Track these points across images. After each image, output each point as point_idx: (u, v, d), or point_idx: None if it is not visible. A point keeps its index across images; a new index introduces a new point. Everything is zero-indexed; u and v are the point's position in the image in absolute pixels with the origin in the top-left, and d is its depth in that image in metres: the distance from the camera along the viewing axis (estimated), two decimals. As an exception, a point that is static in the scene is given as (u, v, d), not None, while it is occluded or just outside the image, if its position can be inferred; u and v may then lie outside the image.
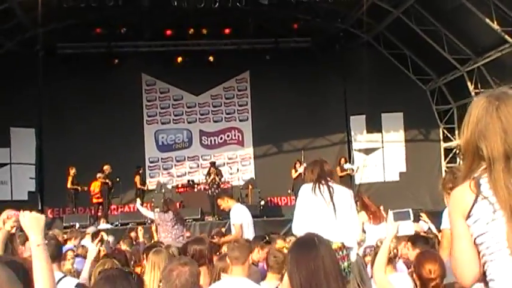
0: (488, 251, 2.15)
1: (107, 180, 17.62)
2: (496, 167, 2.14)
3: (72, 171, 17.45)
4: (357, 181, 19.87)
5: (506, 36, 15.33)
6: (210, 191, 17.65)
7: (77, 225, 15.38)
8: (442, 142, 20.82)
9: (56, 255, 4.82)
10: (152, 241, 11.05)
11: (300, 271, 2.59)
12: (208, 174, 17.96)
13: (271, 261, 5.26)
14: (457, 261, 2.23)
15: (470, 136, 2.22)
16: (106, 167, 17.42)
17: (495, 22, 15.07)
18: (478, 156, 2.21)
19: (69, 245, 10.05)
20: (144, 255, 7.14)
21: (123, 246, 9.73)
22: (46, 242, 4.33)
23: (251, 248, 5.13)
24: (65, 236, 11.06)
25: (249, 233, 8.43)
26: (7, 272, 1.24)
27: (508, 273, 2.13)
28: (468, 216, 2.17)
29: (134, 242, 11.12)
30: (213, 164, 18.52)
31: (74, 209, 17.73)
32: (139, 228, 12.11)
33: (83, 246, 8.78)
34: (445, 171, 19.77)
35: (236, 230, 8.77)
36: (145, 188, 18.63)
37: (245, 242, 5.34)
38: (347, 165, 18.47)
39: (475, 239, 2.17)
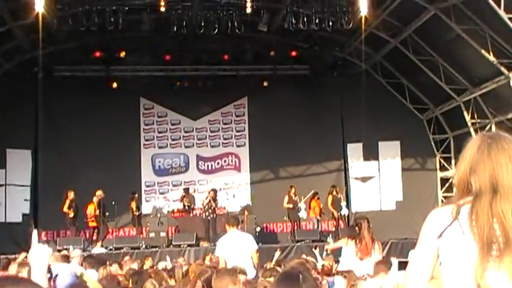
0: (451, 275, 2.27)
1: (98, 205, 17.40)
2: (482, 200, 2.26)
3: (71, 195, 17.27)
4: (353, 209, 19.78)
5: (502, 68, 15.44)
6: (204, 215, 17.56)
7: (71, 248, 15.21)
8: (438, 171, 20.83)
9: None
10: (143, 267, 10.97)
11: None
12: (206, 198, 17.89)
13: None
14: (410, 269, 2.40)
15: (463, 172, 2.36)
16: (98, 192, 17.25)
17: (491, 54, 15.19)
18: (468, 191, 2.33)
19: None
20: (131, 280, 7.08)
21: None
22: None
23: (233, 277, 5.04)
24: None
25: (240, 261, 7.92)
26: None
27: None
28: (440, 236, 2.30)
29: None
30: (213, 189, 18.44)
31: (76, 233, 17.44)
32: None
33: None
34: (442, 200, 19.75)
35: (220, 265, 8.57)
36: (140, 213, 18.49)
37: (227, 271, 5.30)
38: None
39: (440, 261, 2.31)
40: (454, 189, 2.51)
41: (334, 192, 18.55)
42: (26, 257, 11.75)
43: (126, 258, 14.21)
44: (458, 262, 2.26)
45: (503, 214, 2.23)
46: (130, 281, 5.38)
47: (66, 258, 9.35)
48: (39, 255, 2.84)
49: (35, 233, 3.05)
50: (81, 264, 10.41)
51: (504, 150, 2.33)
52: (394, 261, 3.98)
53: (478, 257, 2.20)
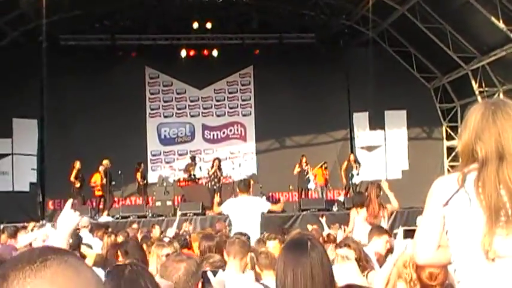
0: (458, 243, 2.27)
1: (105, 174, 17.47)
2: (489, 167, 2.25)
3: (77, 165, 17.33)
4: (359, 178, 19.77)
5: (512, 36, 15.24)
6: (209, 184, 17.62)
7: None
8: (445, 140, 20.76)
9: (75, 246, 4.88)
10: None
11: (285, 274, 2.51)
12: (212, 167, 17.93)
13: (262, 259, 5.20)
14: (418, 237, 2.40)
15: (467, 139, 2.36)
16: (105, 162, 17.32)
17: (501, 21, 14.97)
18: (473, 159, 2.33)
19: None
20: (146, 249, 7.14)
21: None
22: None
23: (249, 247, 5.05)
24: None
25: (245, 227, 7.89)
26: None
27: (476, 276, 2.22)
28: (446, 204, 2.29)
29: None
30: (217, 158, 18.50)
31: (82, 202, 17.56)
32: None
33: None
34: (448, 170, 19.72)
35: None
36: (146, 183, 18.55)
37: (245, 239, 5.29)
38: (355, 179, 18.34)
39: (447, 229, 2.31)
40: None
41: (351, 160, 18.54)
42: (34, 226, 11.90)
43: (134, 225, 14.33)
44: (466, 230, 2.25)
45: (510, 180, 2.22)
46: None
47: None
48: (68, 221, 2.86)
49: (69, 201, 3.02)
50: (91, 232, 10.54)
51: (509, 116, 2.32)
52: (400, 229, 3.95)
53: (486, 224, 2.19)
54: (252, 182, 17.76)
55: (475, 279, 2.24)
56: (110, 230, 11.00)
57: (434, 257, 2.38)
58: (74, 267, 1.13)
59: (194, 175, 18.78)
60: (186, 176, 19.07)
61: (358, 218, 8.62)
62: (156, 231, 11.44)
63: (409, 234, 3.83)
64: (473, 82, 18.16)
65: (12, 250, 6.47)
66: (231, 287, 4.10)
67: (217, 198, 10.15)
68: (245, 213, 8.70)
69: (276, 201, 9.46)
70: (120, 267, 2.53)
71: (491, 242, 2.18)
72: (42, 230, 7.25)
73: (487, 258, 2.19)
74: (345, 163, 18.66)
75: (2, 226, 10.80)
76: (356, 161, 18.82)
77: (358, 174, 18.57)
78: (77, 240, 4.95)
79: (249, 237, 6.29)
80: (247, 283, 4.47)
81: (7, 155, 18.86)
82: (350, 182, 18.38)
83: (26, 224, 12.14)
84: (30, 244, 6.15)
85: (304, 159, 18.14)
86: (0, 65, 17.88)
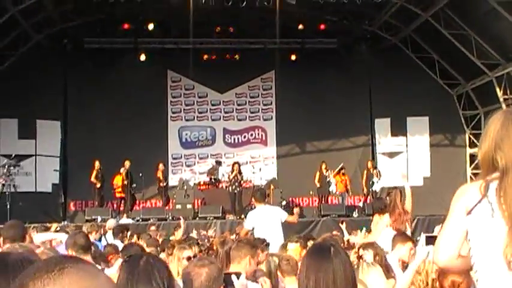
0: (480, 253, 2.27)
1: (126, 176, 17.60)
2: (510, 177, 2.26)
3: (97, 164, 17.53)
4: (380, 184, 19.64)
5: (538, 43, 15.04)
6: (231, 188, 17.62)
7: (99, 218, 15.49)
8: (468, 148, 20.52)
9: (87, 246, 4.91)
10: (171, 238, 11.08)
11: (308, 278, 2.53)
12: (232, 171, 17.94)
13: (284, 265, 5.19)
14: (440, 241, 2.40)
15: (487, 148, 2.36)
16: (126, 162, 17.48)
17: (526, 27, 14.80)
18: (493, 167, 2.33)
19: (90, 238, 10.11)
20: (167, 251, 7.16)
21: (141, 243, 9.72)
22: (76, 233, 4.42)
23: (253, 251, 5.02)
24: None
25: (268, 236, 8.03)
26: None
27: (497, 286, 2.22)
28: (469, 213, 2.30)
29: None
30: (236, 162, 18.52)
31: (101, 202, 17.73)
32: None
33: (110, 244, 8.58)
34: (470, 177, 19.50)
35: (241, 234, 8.95)
36: (167, 184, 18.64)
37: (248, 242, 5.31)
38: (375, 186, 18.21)
39: (469, 238, 2.31)
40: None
41: (370, 167, 18.41)
42: (57, 227, 12.06)
43: (152, 228, 14.37)
44: (488, 240, 2.25)
45: None
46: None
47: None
48: None
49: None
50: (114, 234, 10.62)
51: None
52: (422, 236, 3.92)
53: (508, 234, 2.19)
54: (271, 189, 17.85)
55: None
56: (129, 232, 11.05)
57: (454, 261, 2.38)
58: (90, 274, 1.17)
59: (215, 179, 18.82)
60: (207, 179, 19.12)
61: (381, 224, 8.55)
62: (178, 234, 11.46)
63: (431, 240, 3.80)
64: (497, 89, 17.94)
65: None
66: None
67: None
68: (266, 223, 8.76)
69: (291, 212, 9.43)
70: (136, 257, 2.54)
71: None
72: (59, 234, 7.40)
73: (509, 269, 2.19)
74: (365, 172, 18.53)
75: (32, 225, 10.98)
76: (375, 167, 18.69)
77: (378, 182, 18.45)
78: (87, 243, 4.96)
79: (267, 244, 6.28)
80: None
81: (31, 155, 19.11)
82: (370, 190, 18.26)
83: (48, 224, 12.27)
84: (45, 242, 6.26)
85: (324, 165, 18.06)
86: (25, 68, 18.13)
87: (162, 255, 7.32)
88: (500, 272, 2.22)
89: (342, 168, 18.51)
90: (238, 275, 3.23)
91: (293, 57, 20.20)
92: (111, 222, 11.34)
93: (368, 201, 18.12)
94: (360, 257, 5.46)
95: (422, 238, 3.94)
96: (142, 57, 19.82)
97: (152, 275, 2.40)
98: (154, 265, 2.45)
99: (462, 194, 2.37)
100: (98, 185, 17.54)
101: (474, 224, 2.29)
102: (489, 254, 2.25)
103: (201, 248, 8.12)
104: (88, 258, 4.73)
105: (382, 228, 8.43)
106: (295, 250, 6.29)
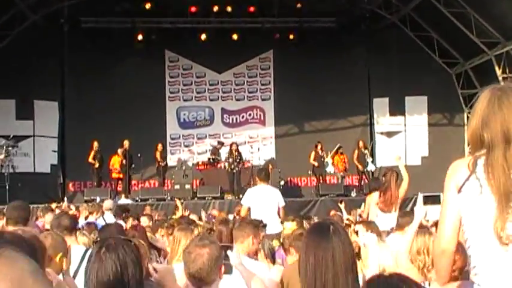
0: (472, 230, 2.32)
1: (124, 156, 17.60)
2: (495, 152, 2.30)
3: (95, 145, 17.55)
4: (378, 164, 19.69)
5: (537, 21, 14.95)
6: (229, 168, 17.63)
7: (98, 199, 15.52)
8: (466, 127, 20.52)
9: (71, 227, 4.88)
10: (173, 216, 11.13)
11: (307, 257, 2.56)
12: (230, 151, 17.94)
13: (267, 249, 5.25)
14: (439, 225, 2.45)
15: (474, 126, 2.41)
16: (125, 142, 17.49)
17: (526, 6, 14.71)
18: (481, 144, 2.38)
19: (91, 219, 10.16)
20: (166, 231, 7.19)
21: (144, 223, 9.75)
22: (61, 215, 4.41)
23: (256, 230, 5.07)
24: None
25: (264, 215, 7.88)
26: (29, 263, 1.23)
27: (490, 261, 2.27)
28: (459, 191, 2.35)
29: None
30: (234, 143, 18.52)
31: (99, 183, 17.78)
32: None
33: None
34: (469, 154, 19.52)
35: (242, 213, 8.95)
36: (166, 164, 18.67)
37: (250, 222, 5.35)
38: (370, 167, 18.23)
39: (461, 214, 2.36)
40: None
41: (361, 146, 18.45)
42: (57, 206, 12.12)
43: (147, 208, 14.37)
44: (479, 216, 2.29)
45: None
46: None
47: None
48: None
49: None
50: (114, 215, 10.65)
51: None
52: (419, 195, 3.98)
53: (497, 208, 2.23)
54: (269, 168, 17.86)
55: (489, 264, 2.28)
56: (129, 213, 11.08)
57: (455, 242, 2.41)
58: (9, 259, 1.18)
59: (214, 159, 18.83)
60: (206, 159, 19.12)
61: (370, 201, 8.60)
62: (178, 214, 11.47)
63: (429, 200, 3.86)
64: (496, 68, 17.88)
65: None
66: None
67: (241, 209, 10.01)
68: (264, 202, 8.76)
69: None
70: (108, 241, 2.54)
71: (503, 226, 2.22)
72: None
73: (501, 243, 2.23)
74: (356, 151, 18.50)
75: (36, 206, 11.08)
76: (366, 147, 18.68)
77: (372, 161, 18.48)
78: (72, 224, 4.92)
79: (265, 225, 6.31)
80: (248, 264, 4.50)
81: (28, 136, 19.07)
82: (365, 170, 18.28)
83: (47, 205, 12.31)
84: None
85: (319, 146, 18.05)
86: (22, 48, 18.00)
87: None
88: (491, 246, 2.25)
89: (339, 148, 18.53)
90: (230, 248, 3.26)
91: (291, 37, 20.10)
92: (108, 203, 11.34)
93: (363, 181, 18.18)
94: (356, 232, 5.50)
95: (420, 198, 3.99)
96: (140, 37, 19.71)
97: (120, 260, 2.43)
98: (124, 250, 2.46)
99: (452, 172, 2.43)
100: (96, 165, 17.57)
101: (464, 201, 2.33)
102: (480, 229, 2.28)
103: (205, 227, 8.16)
104: (73, 239, 4.74)
105: (370, 206, 8.48)
106: (291, 229, 6.34)
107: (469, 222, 2.33)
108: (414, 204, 15.14)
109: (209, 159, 19.00)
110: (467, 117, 20.34)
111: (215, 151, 18.93)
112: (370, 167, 18.25)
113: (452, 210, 2.38)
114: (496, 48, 17.49)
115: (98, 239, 4.75)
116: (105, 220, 9.80)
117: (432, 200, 3.83)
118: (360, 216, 9.76)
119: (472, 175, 2.32)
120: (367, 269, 3.96)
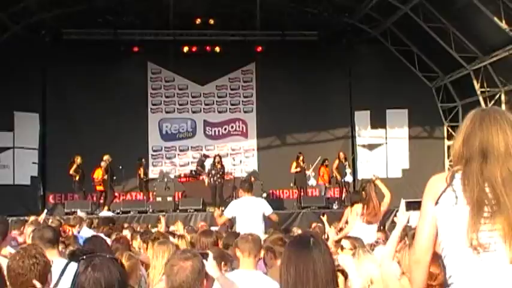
0: (447, 240, 2.39)
1: (106, 170, 17.46)
2: (472, 165, 2.39)
3: (78, 159, 17.37)
4: (360, 177, 19.81)
5: (515, 36, 15.22)
6: (212, 180, 17.60)
7: (78, 211, 15.39)
8: (446, 140, 20.77)
9: (55, 240, 4.85)
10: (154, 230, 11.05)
11: (288, 269, 2.58)
12: (214, 163, 17.91)
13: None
14: (416, 237, 2.52)
15: (458, 144, 2.51)
16: (106, 157, 17.34)
17: (503, 21, 14.97)
18: (461, 160, 2.47)
19: (74, 231, 10.07)
20: (145, 244, 7.16)
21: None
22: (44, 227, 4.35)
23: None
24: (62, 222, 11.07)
25: (249, 227, 7.99)
26: None
27: (465, 269, 2.33)
28: (436, 203, 2.41)
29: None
30: (218, 155, 18.50)
31: (83, 196, 17.60)
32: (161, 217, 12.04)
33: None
34: (448, 169, 19.72)
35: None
36: (148, 179, 18.61)
37: (258, 237, 5.31)
38: (348, 178, 18.38)
39: (437, 226, 2.43)
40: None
41: (342, 158, 18.58)
42: (34, 219, 11.94)
43: (126, 225, 14.15)
44: (453, 226, 2.36)
45: (494, 176, 2.34)
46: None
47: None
48: None
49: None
50: (90, 227, 10.57)
51: (496, 120, 2.44)
52: (402, 201, 4.01)
53: (470, 217, 2.31)
54: (251, 181, 17.86)
55: (464, 272, 2.34)
56: (114, 224, 11.00)
57: (429, 254, 2.48)
58: None
59: (195, 171, 18.78)
60: (188, 171, 19.07)
61: (352, 215, 8.64)
62: (161, 226, 11.39)
63: (411, 206, 3.90)
64: (475, 82, 18.17)
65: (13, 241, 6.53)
66: (245, 284, 4.13)
67: (217, 211, 10.05)
68: (249, 214, 8.75)
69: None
70: (94, 260, 2.56)
71: (476, 235, 2.29)
72: None
73: (474, 252, 2.30)
74: (336, 161, 18.65)
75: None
76: (346, 158, 18.84)
77: (351, 173, 18.63)
78: (55, 236, 4.89)
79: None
80: (260, 279, 4.52)
81: (8, 148, 18.88)
82: (343, 181, 18.40)
83: (26, 218, 12.15)
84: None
85: (301, 158, 18.12)
86: (2, 59, 17.86)
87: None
88: (466, 255, 2.32)
89: (324, 160, 18.65)
90: (206, 256, 3.26)
91: (274, 50, 20.19)
92: (81, 215, 11.21)
93: (343, 193, 18.29)
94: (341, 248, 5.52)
95: (402, 204, 4.02)
96: (122, 49, 19.66)
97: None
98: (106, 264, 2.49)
99: (430, 186, 2.49)
100: (77, 178, 17.41)
101: (440, 212, 2.41)
102: (455, 238, 2.36)
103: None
104: (55, 252, 4.71)
105: (354, 218, 8.53)
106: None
107: (444, 232, 2.40)
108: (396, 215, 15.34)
109: (191, 171, 18.96)
110: (447, 130, 20.62)
111: (200, 162, 18.89)
112: (348, 178, 18.38)
113: (429, 221, 2.45)
114: (474, 62, 17.77)
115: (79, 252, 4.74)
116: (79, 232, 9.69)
117: (414, 206, 3.84)
118: (341, 229, 9.81)
119: (448, 187, 2.40)
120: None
